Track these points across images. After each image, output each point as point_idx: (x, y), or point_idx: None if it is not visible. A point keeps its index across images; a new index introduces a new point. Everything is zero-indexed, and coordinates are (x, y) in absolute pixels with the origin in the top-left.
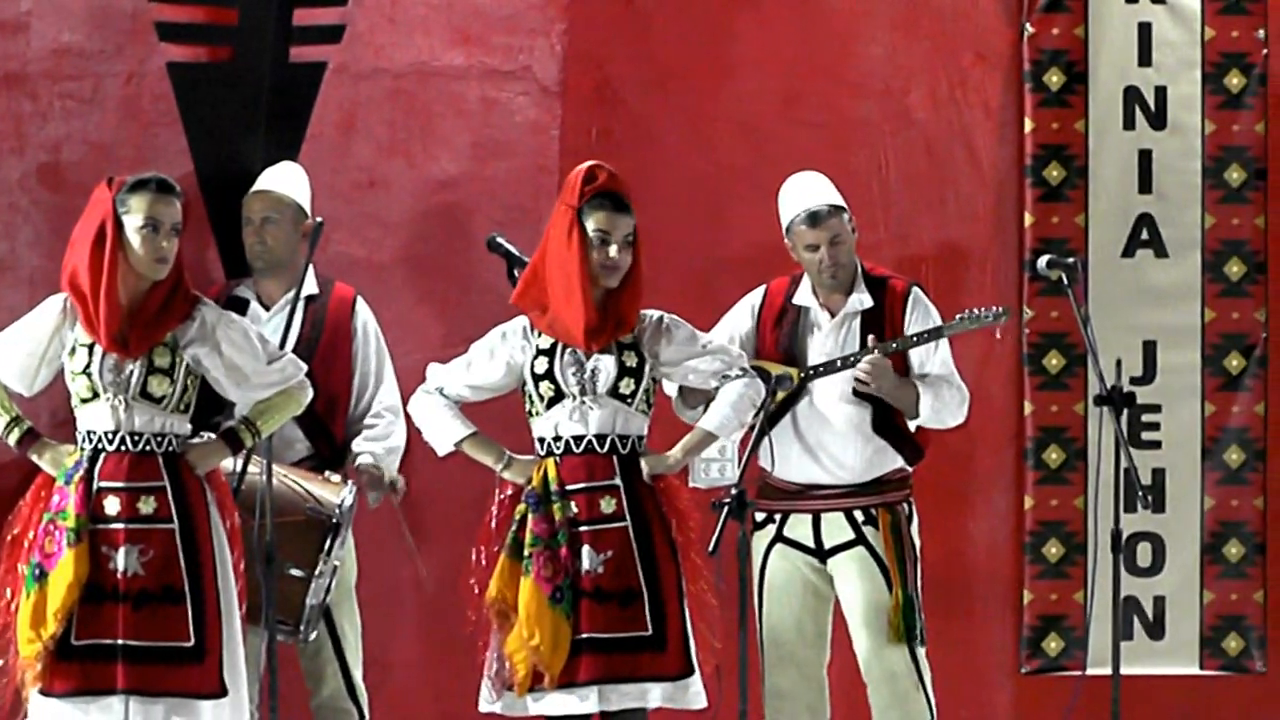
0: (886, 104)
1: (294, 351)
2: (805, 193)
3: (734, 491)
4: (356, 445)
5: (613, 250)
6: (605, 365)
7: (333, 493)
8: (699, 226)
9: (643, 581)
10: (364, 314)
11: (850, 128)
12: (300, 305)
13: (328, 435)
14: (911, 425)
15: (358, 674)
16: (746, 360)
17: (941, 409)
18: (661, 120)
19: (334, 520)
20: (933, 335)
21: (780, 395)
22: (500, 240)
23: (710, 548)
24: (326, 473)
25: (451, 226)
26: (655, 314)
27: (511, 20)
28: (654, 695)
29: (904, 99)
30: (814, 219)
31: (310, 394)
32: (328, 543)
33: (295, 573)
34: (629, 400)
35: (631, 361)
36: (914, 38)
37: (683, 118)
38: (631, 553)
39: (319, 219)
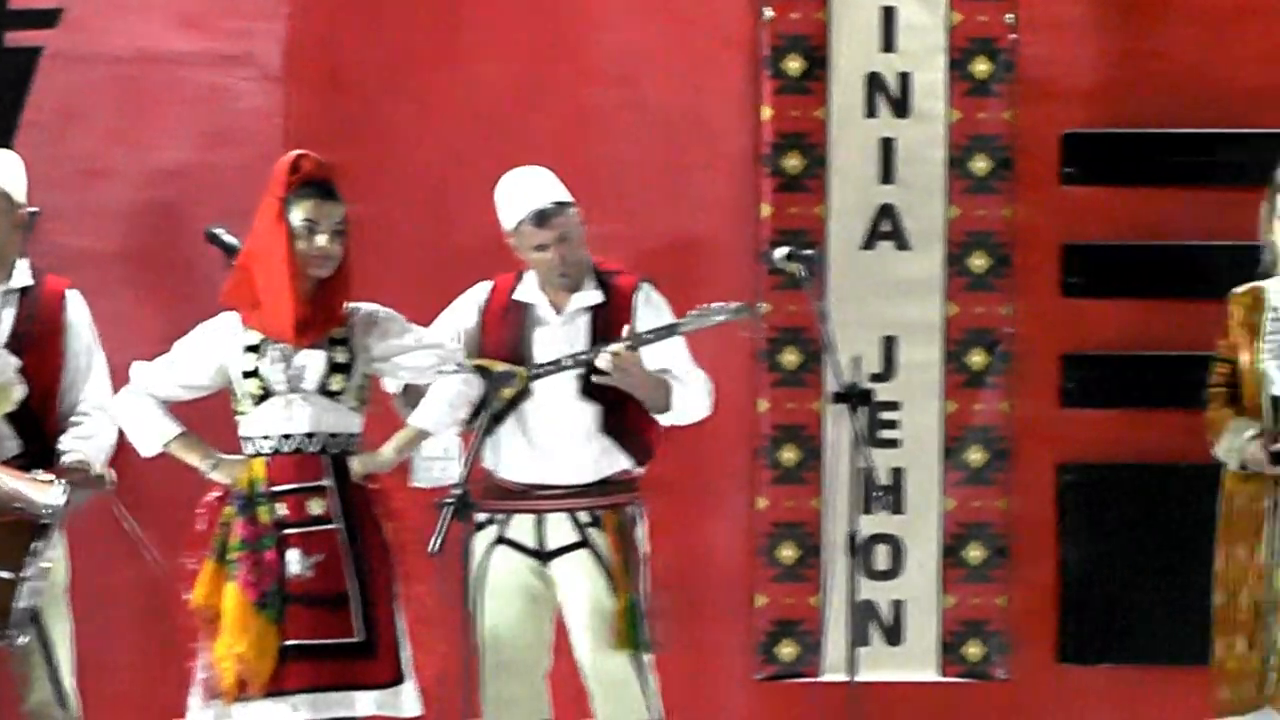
0: (623, 91)
1: (5, 346)
2: (529, 190)
3: (457, 491)
4: (63, 443)
5: (321, 239)
6: (314, 361)
7: (42, 492)
8: (430, 217)
9: (353, 586)
10: (75, 307)
11: (586, 116)
12: (13, 298)
13: (40, 432)
14: (664, 421)
15: (69, 680)
16: (463, 355)
17: (691, 399)
18: (392, 108)
19: (43, 520)
20: (668, 332)
21: (506, 393)
22: (218, 232)
23: (433, 548)
24: (35, 471)
25: (174, 217)
26: (368, 307)
27: (236, 3)
28: (362, 703)
29: (640, 85)
30: (541, 218)
31: (22, 390)
32: (36, 543)
33: (2, 575)
34: (339, 397)
35: (342, 357)
36: (652, 22)
37: (414, 105)
38: (341, 556)
39: (33, 209)
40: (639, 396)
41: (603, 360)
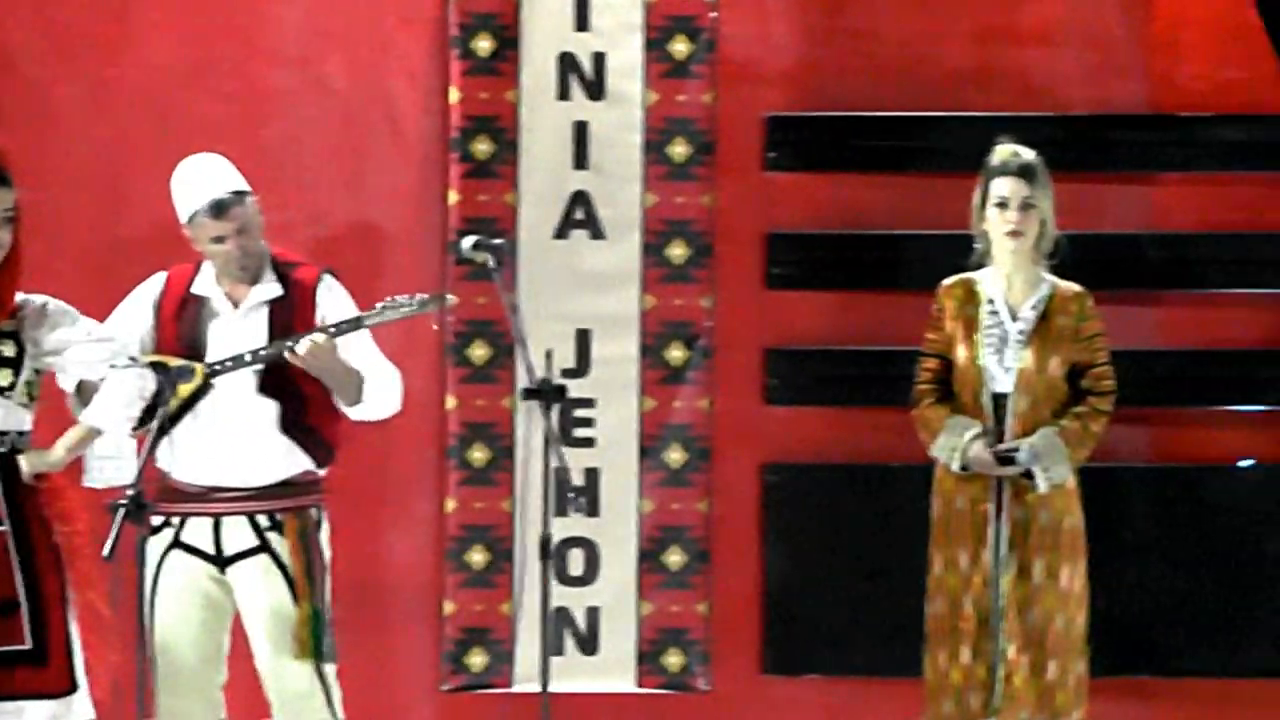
0: (303, 72)
1: None
2: (204, 180)
3: (130, 493)
4: None
5: None
6: None
7: None
8: (99, 204)
9: (22, 591)
10: None
11: (262, 99)
12: None
13: None
14: (354, 415)
15: None
16: (136, 350)
17: (382, 392)
18: (59, 89)
19: None
20: (353, 325)
21: (183, 390)
22: None
23: (105, 552)
24: None
25: None
26: (38, 299)
27: None
28: (33, 713)
29: (321, 67)
30: (218, 209)
31: None
32: None
33: None
34: (7, 393)
35: (9, 351)
36: (333, 0)
37: (82, 87)
38: (9, 560)
39: None
40: (332, 386)
41: (302, 347)
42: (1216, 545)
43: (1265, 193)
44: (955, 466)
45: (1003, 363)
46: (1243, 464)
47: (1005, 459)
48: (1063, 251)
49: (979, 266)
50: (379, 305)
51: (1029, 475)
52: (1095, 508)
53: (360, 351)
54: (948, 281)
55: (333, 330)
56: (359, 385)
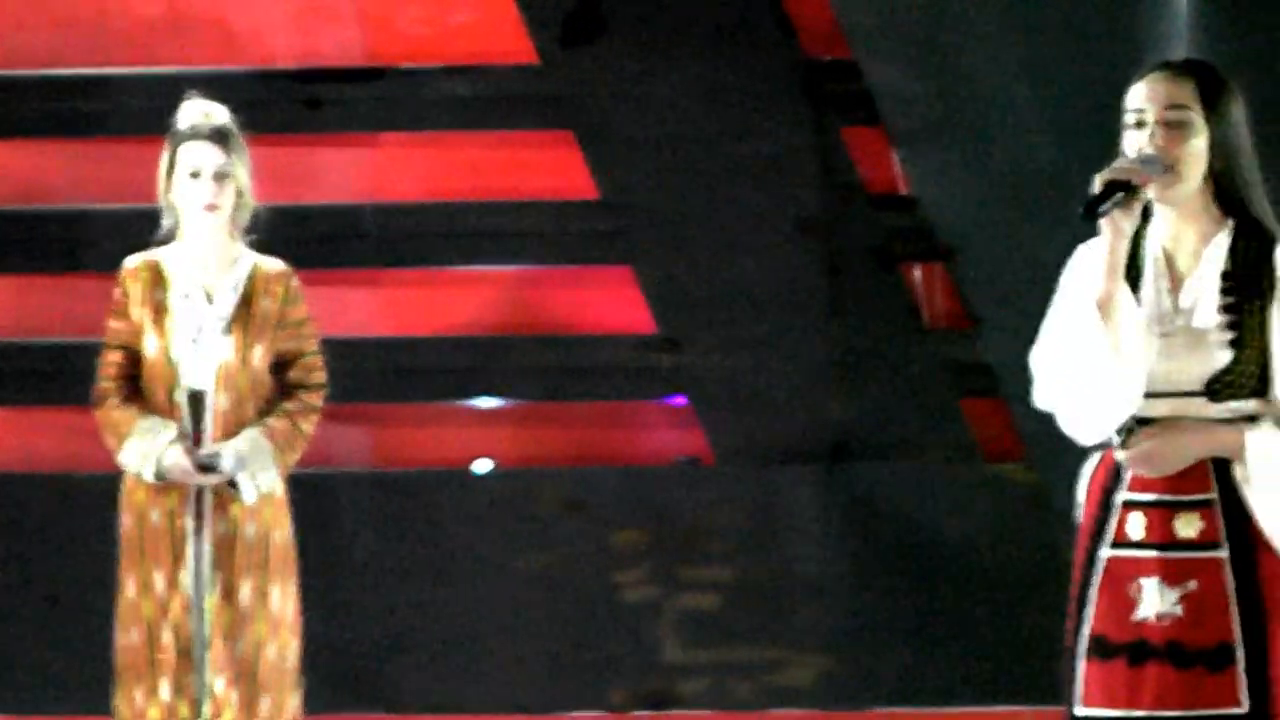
0: None
1: None
2: None
3: None
4: None
5: None
6: None
7: None
8: None
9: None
10: None
11: None
12: None
13: None
14: None
15: None
16: None
17: None
18: None
19: None
20: None
21: None
22: None
23: None
24: None
25: None
26: None
27: None
28: None
29: None
30: None
31: None
32: None
33: None
34: None
35: None
36: None
37: None
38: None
39: None
40: None
41: None
42: (451, 561)
43: (499, 155)
44: (148, 475)
45: (199, 354)
46: (478, 467)
47: (206, 466)
48: (266, 226)
49: (166, 243)
50: None
51: (233, 484)
52: (309, 520)
53: None
54: (131, 262)
55: None
56: None
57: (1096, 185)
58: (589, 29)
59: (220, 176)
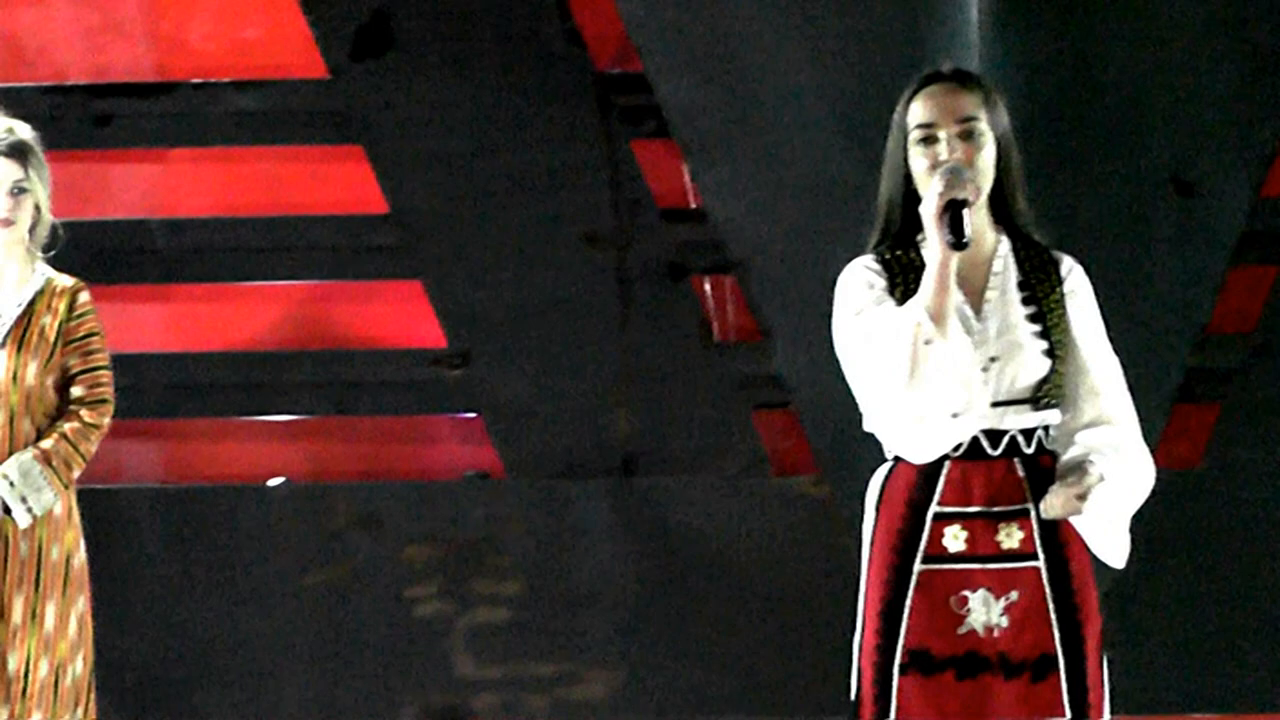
0: None
1: None
2: None
3: None
4: None
5: None
6: None
7: None
8: None
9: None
10: None
11: None
12: None
13: None
14: None
15: None
16: None
17: None
18: None
19: None
20: None
21: None
22: None
23: None
24: None
25: None
26: None
27: None
28: None
29: None
30: None
31: None
32: None
33: None
34: None
35: None
36: None
37: None
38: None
39: None
40: None
41: None
42: (242, 576)
43: (289, 169)
44: None
45: None
46: (272, 483)
47: None
48: (61, 242)
49: None
50: None
51: (7, 509)
52: (99, 535)
53: None
54: None
55: None
56: None
57: (938, 208)
58: (379, 42)
59: (17, 191)
